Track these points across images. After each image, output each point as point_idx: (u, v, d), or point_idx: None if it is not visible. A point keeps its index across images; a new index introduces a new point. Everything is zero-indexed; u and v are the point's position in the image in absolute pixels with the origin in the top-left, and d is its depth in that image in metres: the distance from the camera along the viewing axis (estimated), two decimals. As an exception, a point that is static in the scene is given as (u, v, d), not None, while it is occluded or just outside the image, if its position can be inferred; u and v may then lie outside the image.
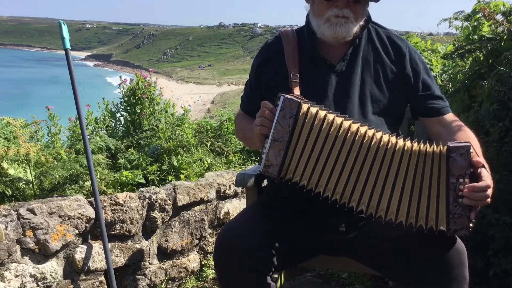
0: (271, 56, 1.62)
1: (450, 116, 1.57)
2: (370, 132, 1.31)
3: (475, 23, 2.51)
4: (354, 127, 1.31)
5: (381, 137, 1.30)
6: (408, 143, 1.30)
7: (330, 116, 1.31)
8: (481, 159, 1.29)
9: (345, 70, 1.55)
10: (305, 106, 1.30)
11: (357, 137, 1.30)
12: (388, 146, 1.30)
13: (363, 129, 1.31)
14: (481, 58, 2.39)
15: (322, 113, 1.31)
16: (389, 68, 1.56)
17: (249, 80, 1.72)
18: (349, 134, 1.30)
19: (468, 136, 1.47)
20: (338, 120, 1.31)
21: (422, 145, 1.29)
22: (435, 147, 1.28)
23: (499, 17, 2.30)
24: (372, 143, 1.30)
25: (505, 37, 2.25)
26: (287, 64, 1.55)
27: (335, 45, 1.55)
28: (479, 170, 1.27)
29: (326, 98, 1.51)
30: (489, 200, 1.26)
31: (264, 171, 1.32)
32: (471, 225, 1.28)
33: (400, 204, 1.30)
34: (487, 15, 2.28)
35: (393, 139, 1.30)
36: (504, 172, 1.94)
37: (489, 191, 1.26)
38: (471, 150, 1.26)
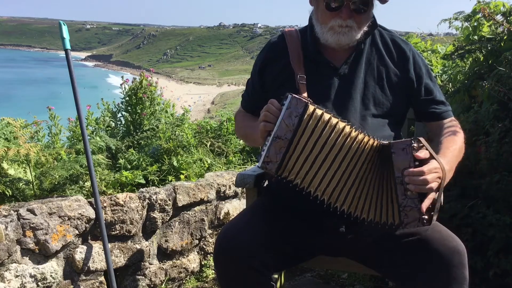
0: (275, 55, 1.62)
1: (448, 121, 1.59)
2: (360, 135, 1.33)
3: (475, 24, 2.51)
4: (347, 129, 1.32)
5: (357, 134, 1.33)
6: (371, 141, 1.33)
7: (334, 120, 1.31)
8: (443, 153, 1.34)
9: (348, 73, 1.55)
10: (311, 108, 1.31)
11: (348, 139, 1.32)
12: (360, 145, 1.33)
13: (354, 132, 1.33)
14: (481, 59, 2.40)
15: (326, 116, 1.31)
16: (393, 72, 1.57)
17: (251, 78, 1.73)
18: (341, 136, 1.31)
19: (453, 139, 1.51)
20: (336, 121, 1.32)
21: (377, 142, 1.33)
22: (382, 143, 1.32)
23: (499, 17, 2.30)
24: (360, 143, 1.33)
25: (505, 37, 2.25)
26: (292, 64, 1.55)
27: (338, 48, 1.55)
28: (427, 161, 1.29)
29: (329, 100, 1.52)
30: (432, 185, 1.27)
31: (262, 167, 1.32)
32: (424, 217, 1.29)
33: (370, 203, 1.34)
34: (487, 15, 2.28)
35: (366, 138, 1.33)
36: (504, 172, 1.94)
37: (430, 176, 1.26)
38: (415, 145, 1.28)
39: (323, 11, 1.51)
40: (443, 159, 1.34)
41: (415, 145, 1.28)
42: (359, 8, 1.47)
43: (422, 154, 1.28)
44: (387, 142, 1.32)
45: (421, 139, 1.30)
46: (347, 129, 1.32)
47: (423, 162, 1.29)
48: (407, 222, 1.30)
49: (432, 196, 1.29)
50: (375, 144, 1.33)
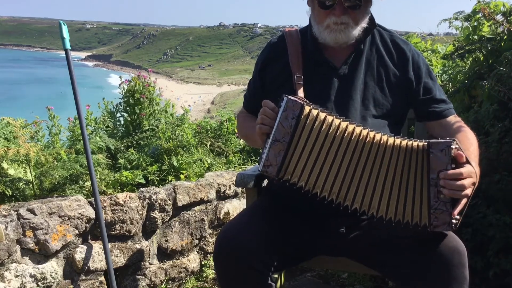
0: (275, 56, 1.62)
1: (451, 118, 1.58)
2: (364, 132, 1.31)
3: (475, 24, 2.51)
4: (350, 127, 1.31)
5: (374, 135, 1.31)
6: (398, 140, 1.31)
7: (329, 118, 1.31)
8: (466, 154, 1.29)
9: (348, 73, 1.55)
10: (307, 108, 1.30)
11: (352, 136, 1.31)
12: (380, 144, 1.31)
13: (358, 129, 1.31)
14: (481, 58, 2.39)
15: (322, 115, 1.31)
16: (392, 72, 1.56)
17: (252, 78, 1.73)
18: (345, 134, 1.31)
19: (466, 137, 1.48)
20: (336, 121, 1.31)
21: (408, 142, 1.30)
22: (418, 143, 1.29)
23: (499, 17, 2.30)
24: (366, 141, 1.31)
25: (505, 37, 2.25)
26: (291, 64, 1.55)
27: (337, 48, 1.55)
28: (463, 165, 1.27)
29: (329, 101, 1.52)
30: (467, 191, 1.26)
31: (263, 171, 1.32)
32: (454, 221, 1.28)
33: (389, 201, 1.32)
34: (487, 15, 2.28)
35: (384, 137, 1.31)
36: (504, 172, 1.94)
37: (466, 181, 1.25)
38: (454, 147, 1.26)
39: (318, 10, 1.51)
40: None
41: (453, 146, 1.26)
42: (353, 4, 1.47)
43: (460, 157, 1.26)
44: (424, 141, 1.29)
45: (457, 141, 1.28)
46: (344, 125, 1.31)
47: (459, 165, 1.27)
48: (436, 225, 1.28)
49: (464, 201, 1.28)
50: (389, 141, 1.30)
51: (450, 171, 1.25)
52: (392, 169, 1.31)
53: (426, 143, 1.28)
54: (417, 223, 1.31)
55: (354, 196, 1.32)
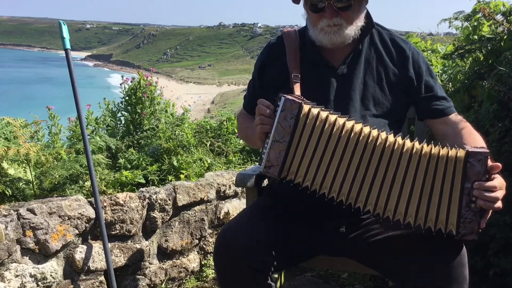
0: (274, 56, 1.62)
1: (454, 116, 1.57)
2: (375, 132, 1.30)
3: (475, 23, 2.51)
4: (358, 127, 1.30)
5: (387, 137, 1.29)
6: (417, 145, 1.28)
7: (332, 117, 1.30)
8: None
9: (347, 73, 1.54)
10: (306, 107, 1.30)
11: (361, 137, 1.29)
12: (395, 147, 1.28)
13: (366, 129, 1.30)
14: (481, 58, 2.39)
15: (323, 114, 1.30)
16: (392, 71, 1.56)
17: (252, 79, 1.73)
18: (352, 134, 1.29)
19: (475, 139, 1.47)
20: (340, 120, 1.30)
21: (434, 147, 1.28)
22: (451, 150, 1.27)
23: (499, 17, 2.30)
24: (378, 143, 1.29)
25: (505, 37, 2.25)
26: (288, 64, 1.55)
27: (335, 49, 1.55)
28: (493, 176, 1.26)
29: (328, 101, 1.51)
30: (499, 203, 1.25)
31: (264, 172, 1.32)
32: (480, 230, 1.27)
33: (408, 205, 1.29)
34: (487, 15, 2.28)
35: (400, 140, 1.29)
36: (504, 173, 1.93)
37: (499, 193, 1.24)
38: (489, 156, 1.25)
39: (311, 14, 1.52)
40: None
41: (489, 156, 1.24)
42: (344, 5, 1.46)
43: (496, 168, 1.25)
44: (458, 148, 1.26)
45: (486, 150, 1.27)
46: (349, 124, 1.30)
47: (491, 176, 1.25)
48: (464, 234, 1.26)
49: (491, 212, 1.27)
50: (406, 144, 1.28)
51: (487, 183, 1.24)
52: (411, 173, 1.28)
53: (465, 152, 1.25)
54: (440, 230, 1.29)
55: (367, 198, 1.30)
